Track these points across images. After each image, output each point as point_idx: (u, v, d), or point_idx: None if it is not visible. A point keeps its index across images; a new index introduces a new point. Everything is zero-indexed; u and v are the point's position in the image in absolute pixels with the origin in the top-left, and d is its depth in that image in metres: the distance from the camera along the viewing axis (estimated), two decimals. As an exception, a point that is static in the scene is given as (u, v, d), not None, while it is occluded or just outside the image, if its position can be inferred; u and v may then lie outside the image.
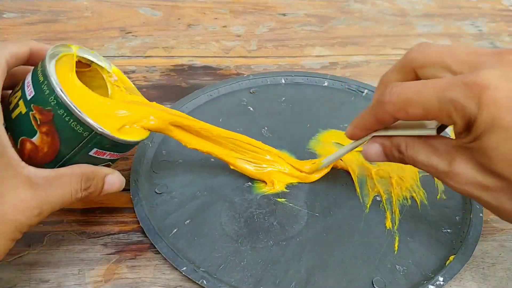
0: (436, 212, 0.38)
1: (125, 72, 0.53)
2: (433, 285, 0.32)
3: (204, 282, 0.32)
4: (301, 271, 0.34)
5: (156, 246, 0.35)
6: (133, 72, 0.54)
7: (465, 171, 0.28)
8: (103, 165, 0.34)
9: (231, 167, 0.40)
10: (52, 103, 0.30)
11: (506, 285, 0.34)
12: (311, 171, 0.40)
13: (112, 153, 0.33)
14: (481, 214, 0.38)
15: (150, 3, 0.68)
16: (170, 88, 0.52)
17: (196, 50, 0.59)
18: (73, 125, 0.30)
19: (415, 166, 0.31)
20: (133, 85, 0.39)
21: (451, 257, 0.34)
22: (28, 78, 0.31)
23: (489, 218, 0.39)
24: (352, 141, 0.36)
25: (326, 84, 0.52)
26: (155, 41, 0.60)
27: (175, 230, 0.36)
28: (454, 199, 0.39)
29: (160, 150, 0.43)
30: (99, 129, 0.31)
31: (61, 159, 0.31)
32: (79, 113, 0.30)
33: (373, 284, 0.33)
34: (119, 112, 0.33)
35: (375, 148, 0.33)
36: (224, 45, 0.60)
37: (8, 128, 0.30)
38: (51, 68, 0.31)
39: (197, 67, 0.56)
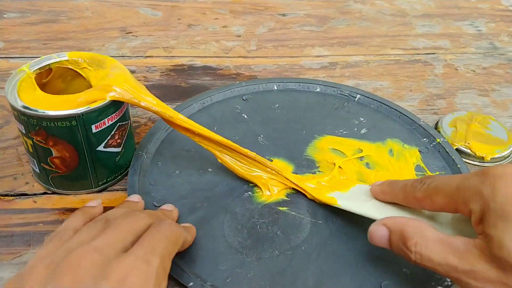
0: None
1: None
2: (441, 286, 0.32)
3: None
4: (309, 280, 0.33)
5: None
6: (133, 72, 0.53)
7: (486, 269, 0.26)
8: (119, 131, 0.37)
9: (219, 160, 0.39)
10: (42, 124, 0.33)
11: None
12: (319, 198, 0.38)
13: (109, 116, 0.36)
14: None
15: (150, 3, 0.67)
16: (170, 88, 0.52)
17: (196, 50, 0.59)
18: (60, 124, 0.33)
19: (422, 265, 0.28)
20: (94, 55, 0.39)
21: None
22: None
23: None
24: (374, 200, 0.35)
25: (318, 90, 0.51)
26: (155, 41, 0.60)
27: None
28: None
29: (156, 161, 0.41)
30: (79, 112, 0.34)
31: (83, 155, 0.36)
32: (54, 113, 0.33)
33: (382, 289, 0.33)
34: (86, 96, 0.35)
35: (381, 231, 0.31)
36: (224, 45, 0.60)
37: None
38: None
39: (197, 67, 0.55)
